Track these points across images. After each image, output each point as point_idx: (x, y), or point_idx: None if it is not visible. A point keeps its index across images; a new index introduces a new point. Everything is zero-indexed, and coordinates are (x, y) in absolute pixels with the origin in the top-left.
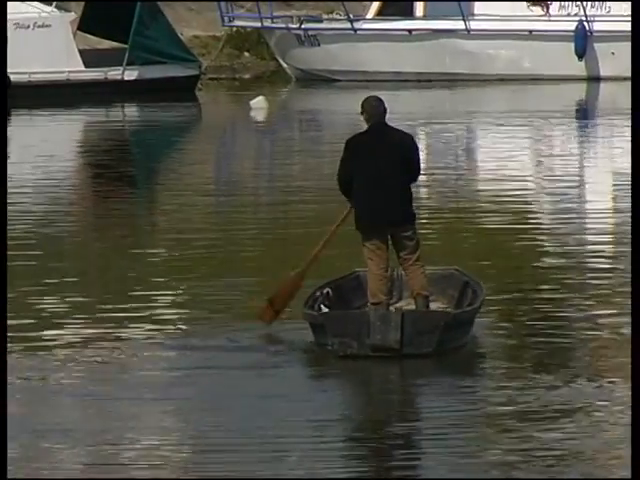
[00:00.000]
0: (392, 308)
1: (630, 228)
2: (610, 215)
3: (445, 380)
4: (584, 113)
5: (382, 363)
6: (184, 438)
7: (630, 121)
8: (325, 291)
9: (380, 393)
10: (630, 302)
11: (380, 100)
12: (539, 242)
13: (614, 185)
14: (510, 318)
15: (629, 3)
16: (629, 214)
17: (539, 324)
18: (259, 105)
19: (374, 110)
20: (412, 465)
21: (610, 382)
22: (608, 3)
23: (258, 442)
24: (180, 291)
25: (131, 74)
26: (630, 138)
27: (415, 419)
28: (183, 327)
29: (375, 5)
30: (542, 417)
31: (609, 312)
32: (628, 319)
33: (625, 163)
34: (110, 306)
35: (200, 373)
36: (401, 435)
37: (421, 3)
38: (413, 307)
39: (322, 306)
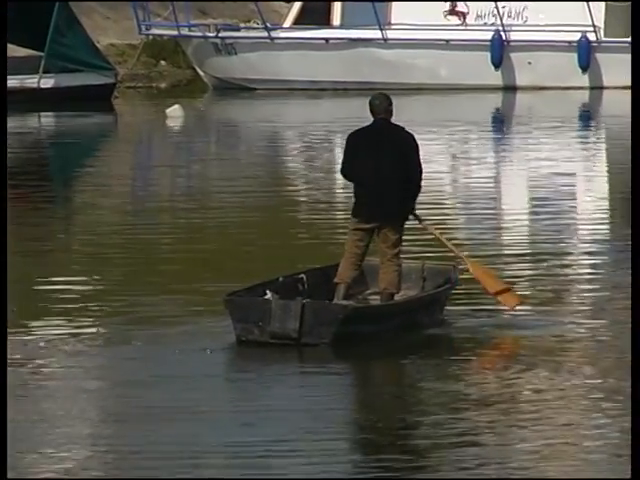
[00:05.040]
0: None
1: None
2: (527, 222)
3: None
4: (500, 122)
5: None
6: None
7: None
8: (300, 277)
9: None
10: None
11: (386, 98)
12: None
13: (529, 191)
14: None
15: (546, 13)
16: (546, 219)
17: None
18: (175, 114)
19: (376, 107)
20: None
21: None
22: (525, 13)
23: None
24: (94, 294)
25: (47, 82)
26: (570, 145)
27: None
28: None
29: (292, 14)
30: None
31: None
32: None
33: (540, 170)
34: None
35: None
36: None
37: (338, 11)
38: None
39: (268, 292)
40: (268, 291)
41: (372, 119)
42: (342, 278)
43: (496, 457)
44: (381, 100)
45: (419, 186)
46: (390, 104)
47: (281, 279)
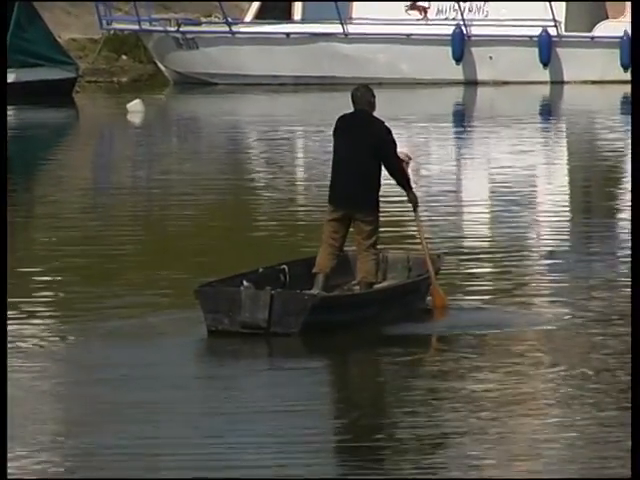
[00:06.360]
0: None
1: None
2: (488, 215)
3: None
4: (461, 117)
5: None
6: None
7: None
8: (281, 267)
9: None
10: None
11: (367, 89)
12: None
13: (490, 184)
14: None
15: (507, 8)
16: (506, 211)
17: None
18: (136, 108)
19: (357, 99)
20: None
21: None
22: (485, 8)
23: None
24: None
25: (8, 77)
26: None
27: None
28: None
29: (253, 8)
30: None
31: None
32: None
33: (500, 163)
34: None
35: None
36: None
37: (299, 6)
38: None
39: (244, 282)
40: (245, 281)
41: (352, 109)
42: (320, 268)
43: (489, 457)
44: (362, 92)
45: (402, 172)
46: (372, 96)
47: (261, 270)
